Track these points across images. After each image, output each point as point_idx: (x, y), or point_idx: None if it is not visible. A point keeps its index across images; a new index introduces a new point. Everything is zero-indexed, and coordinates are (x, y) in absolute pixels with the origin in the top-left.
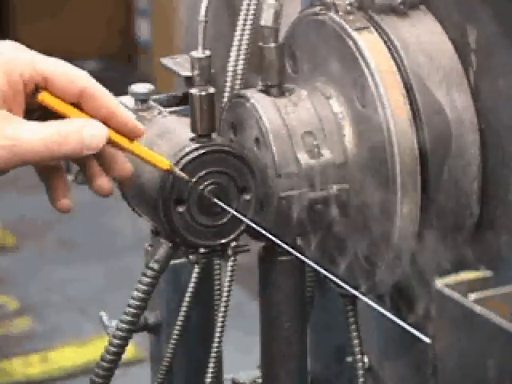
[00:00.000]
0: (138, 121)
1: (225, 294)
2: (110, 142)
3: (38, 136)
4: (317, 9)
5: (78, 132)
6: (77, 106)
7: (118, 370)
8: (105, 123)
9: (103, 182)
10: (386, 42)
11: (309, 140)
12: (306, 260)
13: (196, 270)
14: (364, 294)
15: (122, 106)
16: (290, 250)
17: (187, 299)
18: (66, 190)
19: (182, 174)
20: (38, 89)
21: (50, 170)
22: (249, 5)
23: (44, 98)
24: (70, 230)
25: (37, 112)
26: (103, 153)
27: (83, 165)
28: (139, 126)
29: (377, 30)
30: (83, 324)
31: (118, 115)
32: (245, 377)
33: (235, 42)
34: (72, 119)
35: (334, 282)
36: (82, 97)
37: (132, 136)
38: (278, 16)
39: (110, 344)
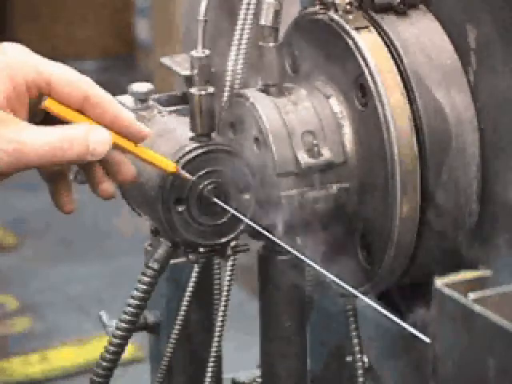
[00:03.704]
0: (138, 120)
1: (224, 293)
2: (115, 146)
3: (42, 141)
4: (316, 8)
5: (82, 138)
6: (80, 111)
7: (117, 370)
8: (109, 128)
9: (107, 186)
10: (385, 42)
11: (308, 139)
12: (306, 260)
13: (196, 269)
14: (364, 294)
15: (125, 110)
16: (290, 249)
17: (187, 299)
18: (70, 192)
19: (189, 176)
20: (41, 94)
21: (55, 173)
22: (248, 4)
23: (49, 105)
24: (70, 230)
25: (39, 115)
26: (107, 157)
27: (87, 169)
28: (144, 129)
29: (377, 29)
30: (83, 323)
31: (122, 119)
32: (244, 376)
33: (235, 42)
34: (76, 125)
35: (334, 282)
36: (86, 102)
37: (137, 139)
38: (277, 15)
39: (110, 343)
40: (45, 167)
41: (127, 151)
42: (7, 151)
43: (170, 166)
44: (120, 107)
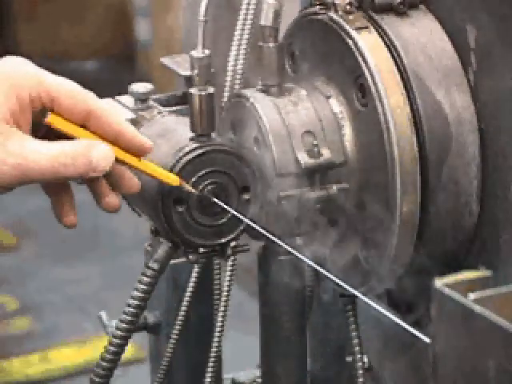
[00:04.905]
0: (138, 120)
1: (224, 293)
2: (118, 161)
3: (45, 156)
4: (316, 8)
5: (85, 154)
6: (83, 125)
7: (117, 370)
8: (112, 142)
9: (111, 199)
10: (385, 42)
11: (308, 140)
12: (306, 260)
13: (196, 269)
14: (364, 294)
15: (128, 125)
16: (290, 249)
17: (187, 299)
18: (72, 205)
19: (191, 189)
20: (44, 108)
21: (57, 186)
22: (249, 4)
23: (52, 120)
24: (70, 230)
25: (43, 129)
26: (111, 171)
27: (90, 182)
28: (146, 143)
29: (377, 29)
30: (83, 324)
31: (124, 134)
32: (244, 376)
33: (235, 42)
34: (79, 141)
35: (334, 282)
36: (89, 117)
37: (140, 153)
38: (277, 15)
39: (110, 344)
40: (47, 182)
41: (130, 166)
42: (12, 165)
43: (173, 180)
44: (123, 121)
